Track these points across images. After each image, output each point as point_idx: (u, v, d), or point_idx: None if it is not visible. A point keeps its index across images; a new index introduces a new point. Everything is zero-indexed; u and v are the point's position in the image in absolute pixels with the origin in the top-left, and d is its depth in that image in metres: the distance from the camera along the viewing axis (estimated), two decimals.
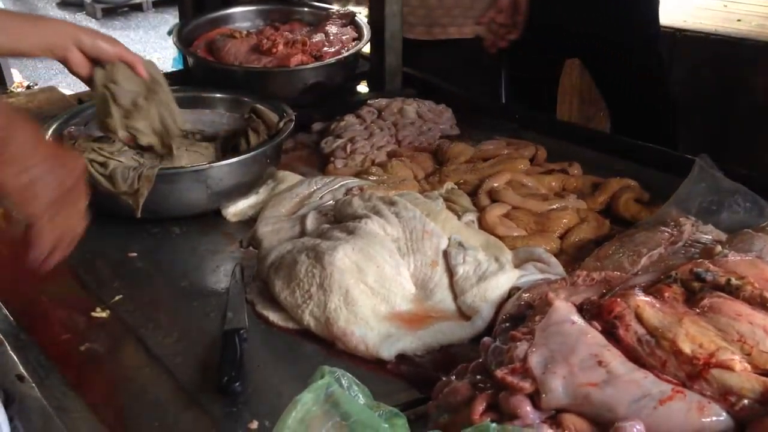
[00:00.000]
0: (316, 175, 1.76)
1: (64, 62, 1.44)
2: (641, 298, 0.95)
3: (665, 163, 1.79)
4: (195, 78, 2.21)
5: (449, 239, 1.37)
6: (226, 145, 1.81)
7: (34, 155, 0.99)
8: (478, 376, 0.98)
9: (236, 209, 1.67)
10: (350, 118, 2.05)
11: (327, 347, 1.24)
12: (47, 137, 1.11)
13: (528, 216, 1.54)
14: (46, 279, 1.44)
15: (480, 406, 0.91)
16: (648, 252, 1.28)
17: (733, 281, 0.96)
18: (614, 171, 1.72)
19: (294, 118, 1.78)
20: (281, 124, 1.75)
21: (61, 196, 1.04)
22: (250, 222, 1.62)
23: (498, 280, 1.28)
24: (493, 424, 0.82)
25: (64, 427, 1.07)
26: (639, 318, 0.93)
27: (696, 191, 1.45)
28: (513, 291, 1.26)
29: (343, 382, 0.87)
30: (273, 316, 1.31)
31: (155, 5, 8.57)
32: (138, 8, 8.56)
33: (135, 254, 1.53)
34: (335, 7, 2.47)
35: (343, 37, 2.27)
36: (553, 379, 0.88)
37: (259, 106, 1.81)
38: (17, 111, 1.04)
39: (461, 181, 1.70)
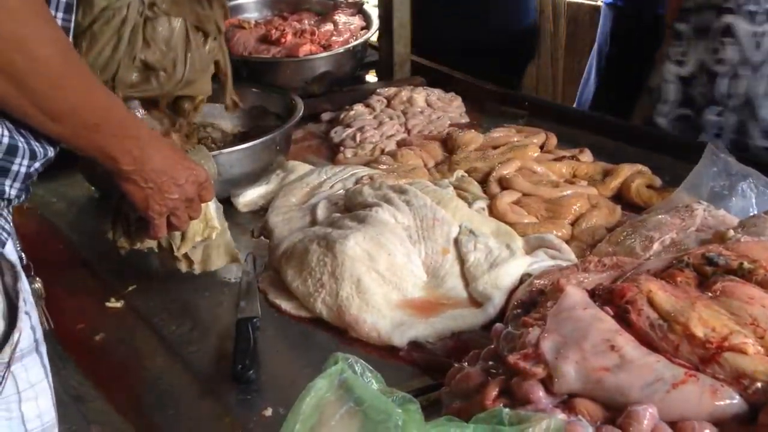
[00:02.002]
0: (326, 165, 1.76)
1: None
2: (653, 283, 0.95)
3: (676, 148, 1.78)
4: None
5: (460, 227, 1.38)
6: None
7: (163, 173, 1.09)
8: (491, 363, 0.98)
9: (247, 199, 1.67)
10: (359, 108, 2.05)
11: (339, 335, 1.24)
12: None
13: (539, 203, 1.54)
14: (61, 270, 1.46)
15: (492, 392, 0.91)
16: (660, 237, 1.28)
17: (746, 265, 0.96)
18: (625, 157, 1.72)
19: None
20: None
21: (179, 205, 1.15)
22: (260, 212, 1.63)
23: (509, 267, 1.28)
24: (506, 410, 0.83)
25: (81, 415, 1.09)
26: (651, 303, 0.92)
27: (707, 176, 1.44)
28: (524, 277, 1.26)
29: (356, 368, 0.87)
30: (285, 305, 1.31)
31: None
32: None
33: None
34: None
35: (352, 27, 2.26)
36: (566, 364, 0.88)
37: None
38: (152, 130, 1.13)
39: (471, 168, 1.70)
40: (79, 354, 1.23)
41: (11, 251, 0.95)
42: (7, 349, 0.89)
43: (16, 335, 0.90)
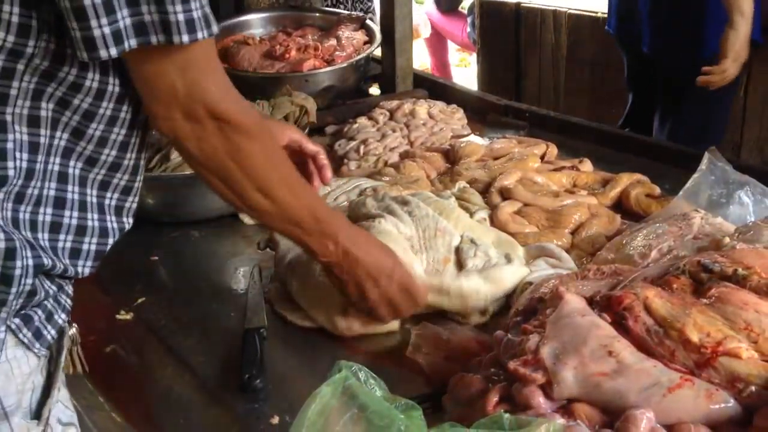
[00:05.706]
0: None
1: None
2: (650, 290, 0.97)
3: (675, 157, 1.80)
4: None
5: (461, 237, 1.40)
6: None
7: (362, 268, 1.14)
8: (492, 369, 1.00)
9: None
10: (363, 120, 2.08)
11: (344, 344, 1.26)
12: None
13: (539, 212, 1.56)
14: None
15: (494, 398, 0.93)
16: (658, 245, 1.30)
17: (740, 271, 0.97)
18: (624, 166, 1.74)
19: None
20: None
21: (379, 303, 1.19)
22: None
23: (503, 271, 1.30)
24: (507, 415, 0.84)
25: (93, 425, 1.11)
26: (648, 309, 0.94)
27: (705, 184, 1.46)
28: (525, 286, 1.28)
29: (360, 375, 0.90)
30: (291, 315, 1.34)
31: None
32: None
33: (156, 258, 1.58)
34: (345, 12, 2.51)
35: (355, 41, 2.30)
36: (565, 369, 0.90)
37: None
38: (354, 227, 1.20)
39: (473, 179, 1.73)
40: (90, 365, 1.24)
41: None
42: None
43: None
